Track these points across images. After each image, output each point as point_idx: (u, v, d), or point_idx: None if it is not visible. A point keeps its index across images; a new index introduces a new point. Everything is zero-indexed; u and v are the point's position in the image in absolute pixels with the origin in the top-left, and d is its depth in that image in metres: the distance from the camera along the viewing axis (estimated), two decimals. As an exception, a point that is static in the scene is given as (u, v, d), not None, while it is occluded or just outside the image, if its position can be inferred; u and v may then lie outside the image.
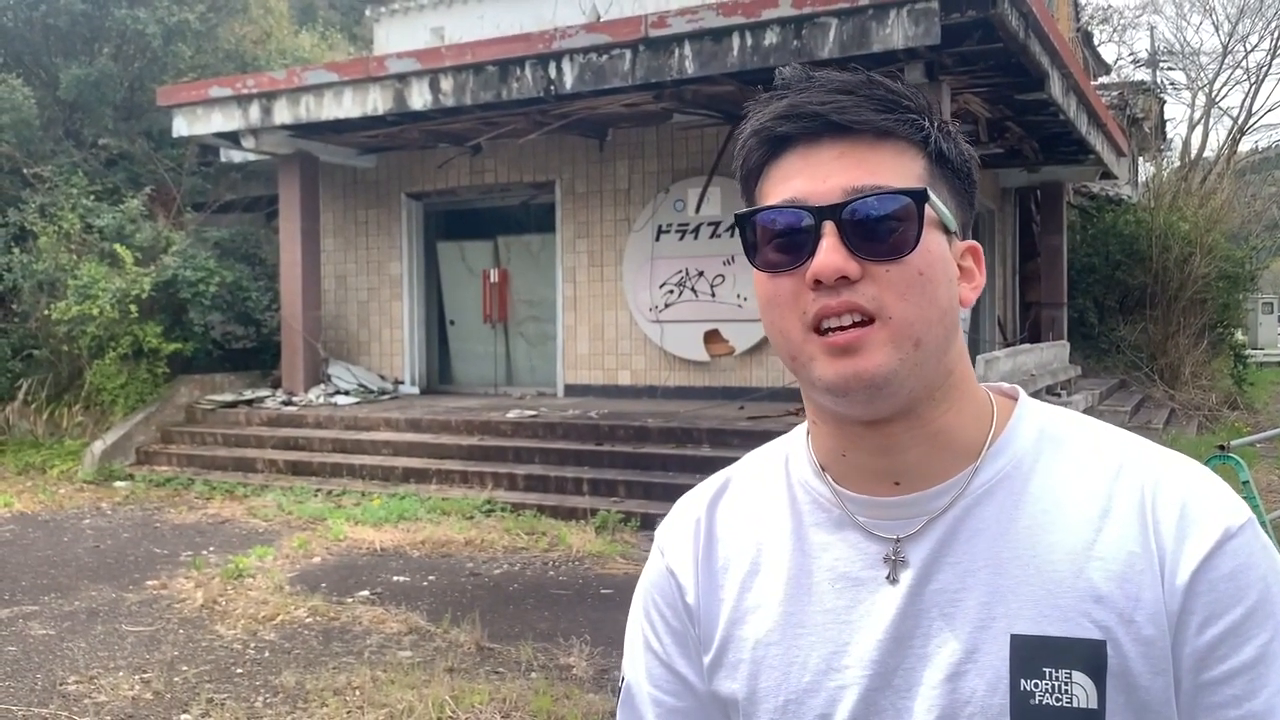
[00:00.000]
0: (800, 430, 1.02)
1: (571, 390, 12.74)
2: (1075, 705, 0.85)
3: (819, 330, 0.87)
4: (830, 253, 0.85)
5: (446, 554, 7.64)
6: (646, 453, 9.27)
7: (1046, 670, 0.86)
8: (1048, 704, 0.85)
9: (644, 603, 1.06)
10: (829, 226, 0.86)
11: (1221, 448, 7.91)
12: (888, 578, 0.91)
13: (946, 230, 0.91)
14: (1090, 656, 0.85)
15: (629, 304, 12.38)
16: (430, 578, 7.01)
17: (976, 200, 0.98)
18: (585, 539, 7.78)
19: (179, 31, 13.12)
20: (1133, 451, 0.92)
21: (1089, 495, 0.90)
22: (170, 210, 12.79)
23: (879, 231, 0.86)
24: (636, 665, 1.06)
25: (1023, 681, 0.86)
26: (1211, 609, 0.85)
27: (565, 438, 9.97)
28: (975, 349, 13.11)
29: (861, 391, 0.87)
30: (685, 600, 1.02)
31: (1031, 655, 0.86)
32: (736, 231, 0.93)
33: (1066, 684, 0.85)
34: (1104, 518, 0.89)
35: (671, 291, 12.04)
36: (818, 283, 0.86)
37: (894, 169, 0.89)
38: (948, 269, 0.91)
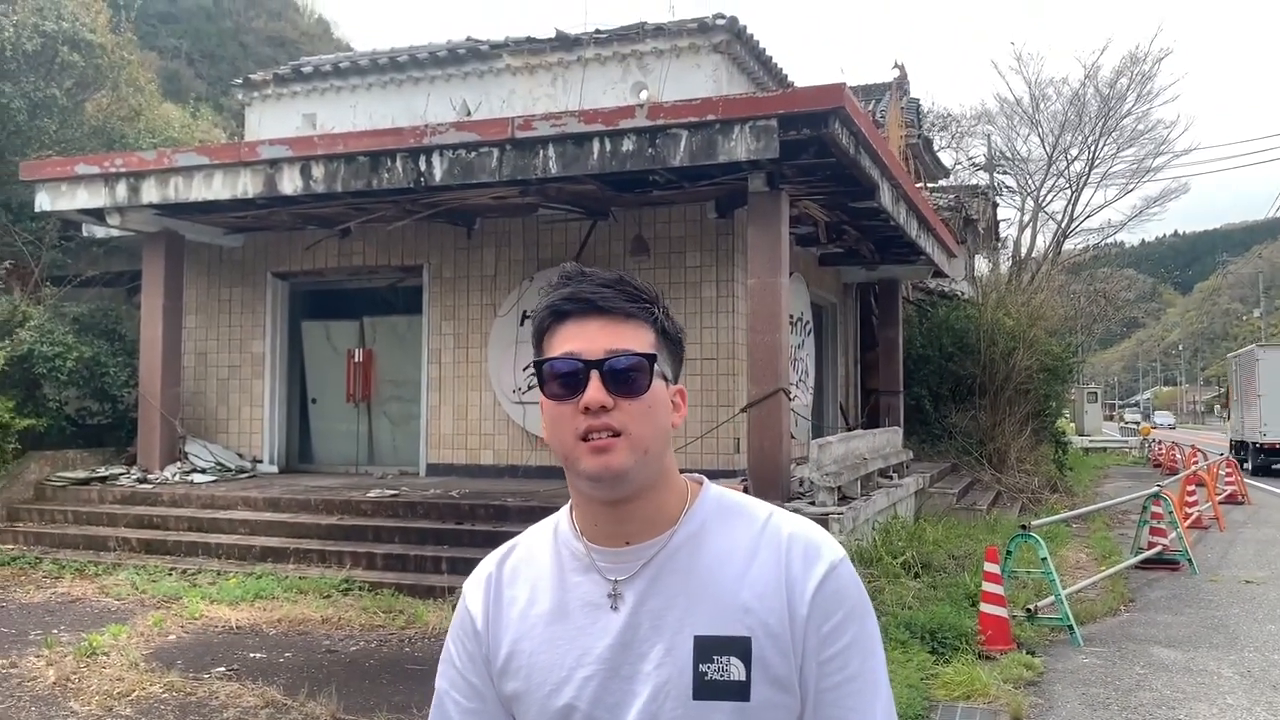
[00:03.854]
0: (563, 512, 1.48)
1: (434, 469, 13.00)
2: (732, 678, 1.31)
3: (584, 439, 1.33)
4: (595, 390, 1.32)
5: (304, 632, 7.79)
6: (506, 531, 9.53)
7: (715, 657, 1.32)
8: (715, 679, 1.31)
9: (452, 633, 1.51)
10: (594, 373, 1.33)
11: (1023, 527, 8.79)
12: (611, 607, 1.38)
13: (666, 379, 1.40)
14: (741, 647, 1.32)
15: (493, 385, 12.79)
16: (287, 654, 7.17)
17: (682, 357, 1.48)
18: (442, 616, 8.00)
19: (45, 106, 13.13)
20: (772, 515, 1.41)
21: (744, 544, 1.38)
22: (28, 284, 12.65)
23: (625, 379, 1.33)
24: (444, 676, 1.50)
25: (700, 665, 1.32)
26: (825, 612, 1.33)
27: (426, 517, 10.23)
28: (819, 432, 13.96)
29: (610, 479, 1.33)
30: (476, 628, 1.46)
31: (706, 648, 1.32)
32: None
33: (726, 666, 1.31)
34: (752, 557, 1.36)
35: (534, 374, 12.49)
36: (586, 409, 1.32)
37: (635, 338, 1.36)
38: (666, 403, 1.39)
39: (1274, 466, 25.02)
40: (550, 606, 1.41)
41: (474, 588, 1.50)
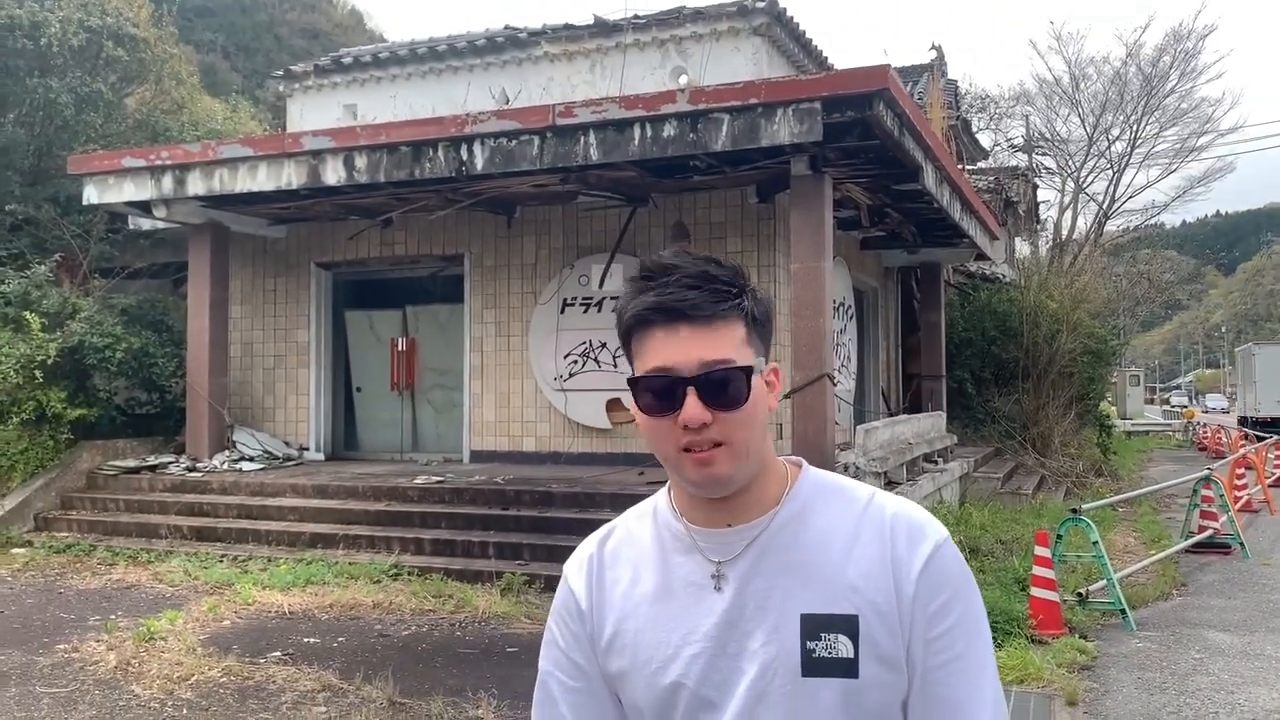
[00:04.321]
0: (662, 493, 1.49)
1: (477, 456, 13.08)
2: (840, 655, 1.32)
3: (686, 449, 1.33)
4: (693, 408, 1.30)
5: (355, 616, 7.88)
6: (551, 517, 9.68)
7: (822, 635, 1.33)
8: (823, 656, 1.32)
9: (554, 614, 1.52)
10: (691, 389, 1.31)
11: (1074, 510, 8.70)
12: (715, 588, 1.39)
13: (759, 372, 1.36)
14: (849, 625, 1.33)
15: (535, 373, 12.84)
16: (340, 639, 7.26)
17: (772, 331, 1.43)
18: (491, 601, 8.11)
19: (91, 101, 13.30)
20: (874, 496, 1.42)
21: (847, 524, 1.39)
22: (77, 276, 12.85)
23: (723, 393, 1.32)
24: (546, 658, 1.51)
25: (808, 642, 1.33)
26: (931, 592, 1.34)
27: (472, 503, 10.31)
28: (861, 418, 13.90)
29: (713, 486, 1.35)
30: (581, 609, 1.47)
31: (813, 626, 1.33)
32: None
33: (834, 643, 1.32)
34: (856, 537, 1.37)
35: (576, 362, 12.56)
36: (685, 425, 1.31)
37: (729, 340, 1.34)
38: (764, 403, 1.37)
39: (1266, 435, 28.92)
40: (654, 586, 1.43)
41: (576, 569, 1.51)
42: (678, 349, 1.33)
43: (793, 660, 1.33)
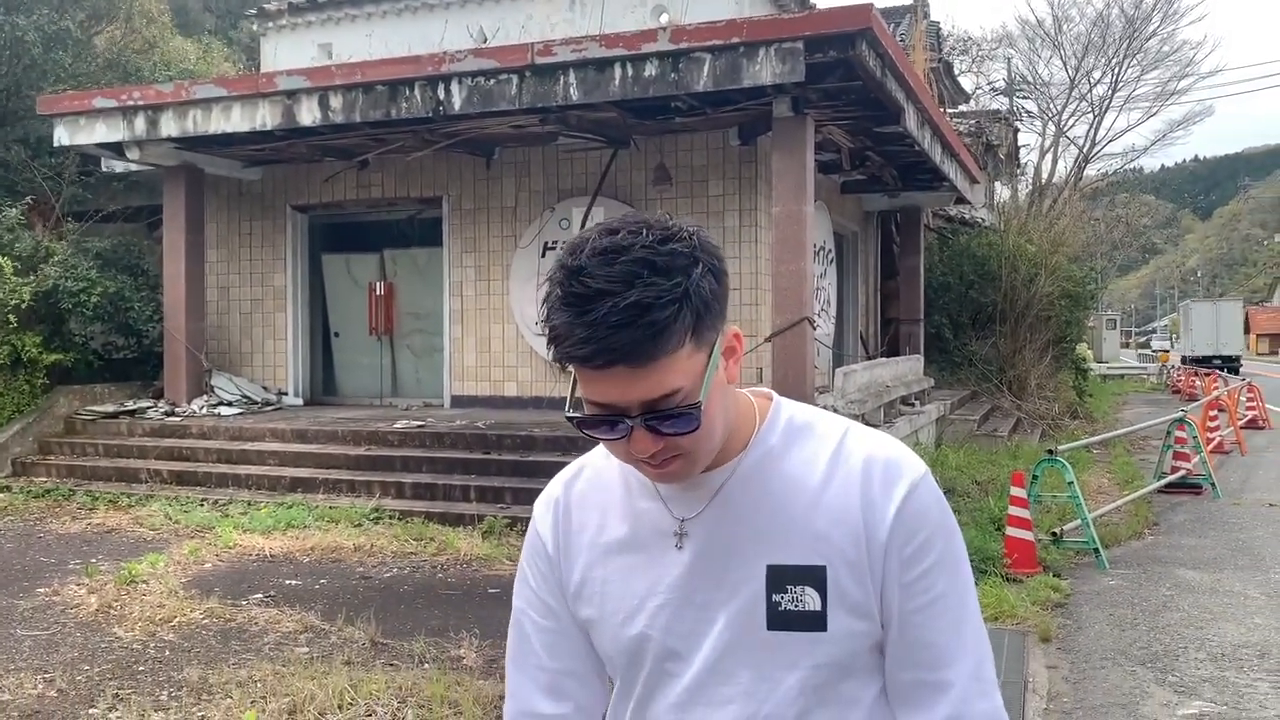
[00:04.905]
0: None
1: (458, 401, 13.07)
2: (807, 609, 1.28)
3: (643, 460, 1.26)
4: (640, 441, 1.22)
5: (336, 559, 7.91)
6: (533, 460, 9.71)
7: (789, 587, 1.28)
8: (789, 609, 1.28)
9: (525, 554, 1.49)
10: (638, 426, 1.21)
11: (1050, 452, 8.81)
12: (677, 545, 1.34)
13: (710, 349, 1.23)
14: (816, 576, 1.28)
15: (516, 318, 12.80)
16: (322, 581, 7.29)
17: (726, 299, 1.26)
18: (473, 544, 8.15)
19: (59, 39, 13.00)
20: (847, 434, 1.34)
21: (818, 466, 1.32)
22: (49, 220, 12.67)
23: (672, 423, 1.22)
24: (520, 595, 1.48)
25: (774, 595, 1.28)
26: (907, 534, 1.27)
27: (453, 447, 10.32)
28: (839, 361, 13.96)
29: (675, 485, 1.32)
30: (548, 552, 1.44)
31: (779, 577, 1.28)
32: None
33: (801, 595, 1.28)
34: (828, 482, 1.30)
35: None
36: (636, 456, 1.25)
37: (672, 371, 1.19)
38: (721, 401, 1.27)
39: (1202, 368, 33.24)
40: (621, 534, 1.39)
41: (544, 512, 1.48)
42: (616, 389, 1.20)
43: (758, 612, 1.29)
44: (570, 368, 1.24)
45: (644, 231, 1.20)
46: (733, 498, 1.32)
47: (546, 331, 1.22)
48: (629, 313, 1.15)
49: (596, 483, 1.44)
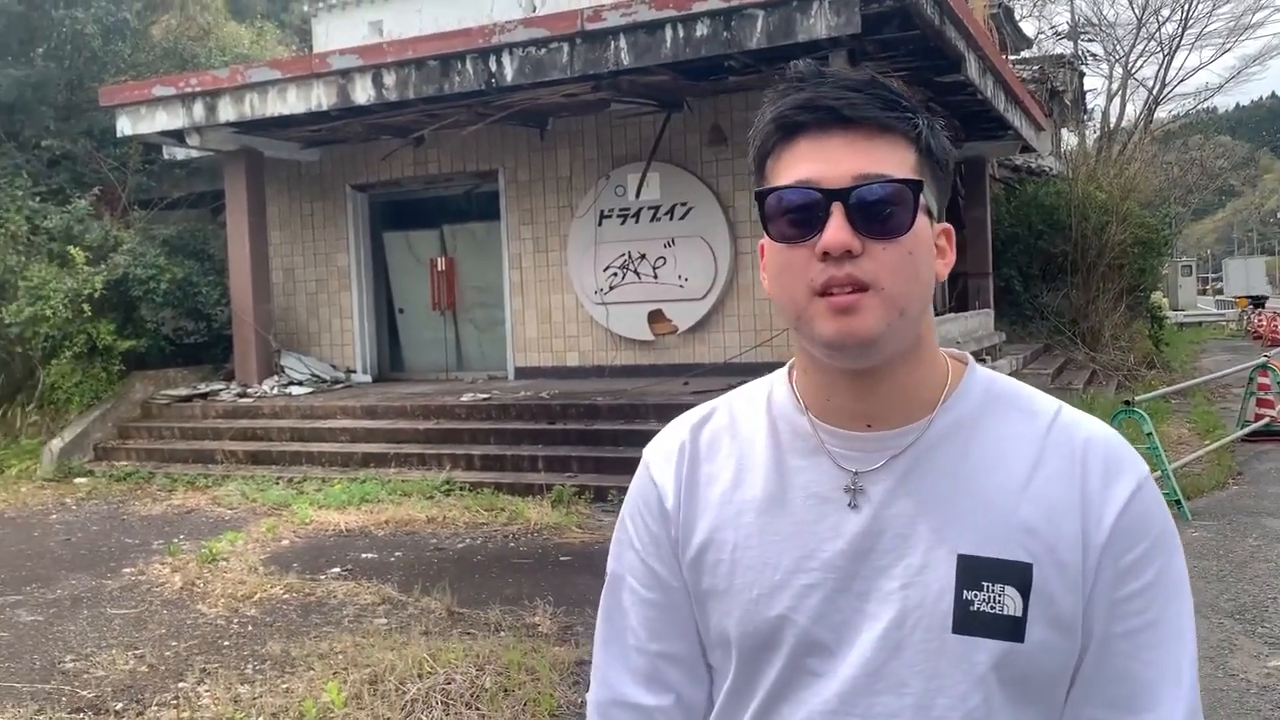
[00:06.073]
0: (779, 376, 1.19)
1: (522, 373, 13.14)
2: (1005, 613, 1.04)
3: (822, 294, 1.02)
4: (838, 230, 1.00)
5: (410, 532, 8.02)
6: (598, 429, 9.73)
7: (985, 584, 1.05)
8: (984, 610, 1.05)
9: (629, 509, 1.24)
10: (837, 206, 1.01)
11: (1127, 403, 8.58)
12: (849, 504, 1.10)
13: (931, 215, 1.07)
14: (1020, 576, 1.04)
15: (574, 288, 12.79)
16: (397, 554, 7.40)
17: (950, 186, 1.13)
18: (542, 512, 8.20)
19: (118, 30, 13.22)
20: (1061, 412, 1.13)
21: (1024, 446, 1.09)
22: (117, 209, 12.93)
23: (879, 215, 1.01)
24: (620, 560, 1.24)
25: (965, 592, 1.05)
26: (1127, 542, 1.06)
27: (519, 418, 10.38)
28: (906, 319, 13.73)
29: (854, 348, 1.04)
30: (665, 505, 1.19)
31: (973, 571, 1.05)
32: (754, 205, 1.09)
33: (1000, 596, 1.05)
34: (1038, 465, 1.08)
35: (615, 274, 12.47)
36: (825, 255, 1.01)
37: (892, 159, 1.03)
38: (930, 250, 1.07)
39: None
40: (763, 492, 1.14)
41: (662, 458, 1.22)
42: (826, 160, 1.03)
43: (942, 610, 1.06)
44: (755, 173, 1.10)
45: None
46: (918, 465, 1.09)
47: (754, 128, 1.09)
48: (859, 82, 1.05)
49: (732, 430, 1.20)
